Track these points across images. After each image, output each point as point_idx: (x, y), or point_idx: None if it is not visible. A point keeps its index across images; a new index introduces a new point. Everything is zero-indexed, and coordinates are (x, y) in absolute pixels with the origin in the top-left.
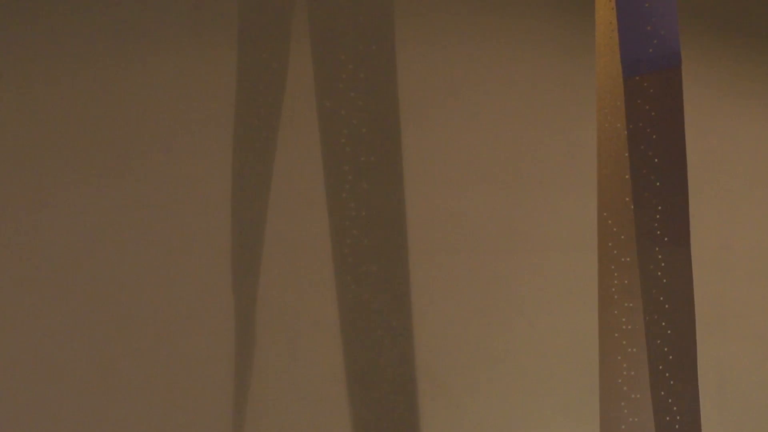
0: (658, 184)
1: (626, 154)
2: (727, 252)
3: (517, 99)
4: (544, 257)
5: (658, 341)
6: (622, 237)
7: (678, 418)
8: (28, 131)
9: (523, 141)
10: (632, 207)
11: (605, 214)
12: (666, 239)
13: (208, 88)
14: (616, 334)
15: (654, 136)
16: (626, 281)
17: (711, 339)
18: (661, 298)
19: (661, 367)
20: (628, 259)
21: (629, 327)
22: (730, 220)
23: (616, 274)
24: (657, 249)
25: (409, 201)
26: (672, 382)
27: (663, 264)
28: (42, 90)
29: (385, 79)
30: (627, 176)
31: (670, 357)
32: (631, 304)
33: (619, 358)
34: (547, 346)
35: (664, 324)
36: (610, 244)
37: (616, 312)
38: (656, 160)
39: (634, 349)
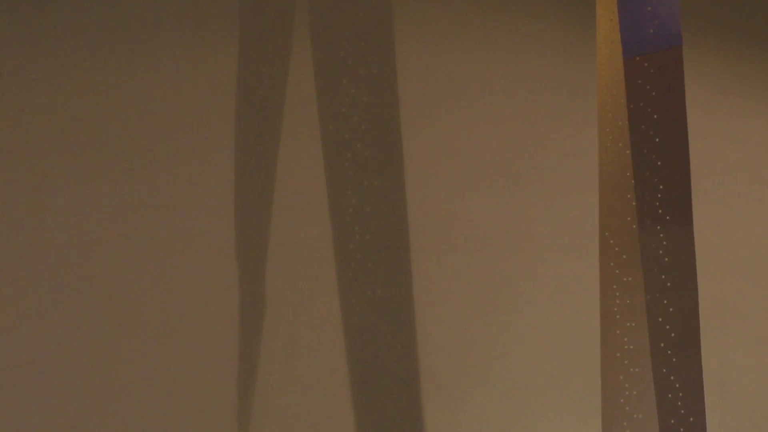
0: (659, 163)
1: (628, 174)
2: (727, 252)
3: (517, 99)
4: (544, 257)
5: (660, 319)
6: (624, 257)
7: (680, 395)
8: (28, 131)
9: (523, 141)
10: (635, 227)
11: (607, 233)
12: (668, 218)
13: (208, 88)
14: (618, 354)
15: (655, 116)
16: (628, 301)
17: (712, 339)
18: (663, 276)
19: (662, 345)
20: (630, 279)
21: (631, 347)
22: (731, 221)
23: (618, 294)
24: (659, 228)
25: (410, 201)
26: (674, 359)
27: (665, 242)
28: (42, 90)
29: (386, 74)
30: (629, 196)
31: (672, 334)
32: (633, 324)
33: (621, 377)
34: (547, 345)
35: (665, 302)
36: (612, 264)
37: (618, 332)
38: (657, 140)
39: (636, 369)
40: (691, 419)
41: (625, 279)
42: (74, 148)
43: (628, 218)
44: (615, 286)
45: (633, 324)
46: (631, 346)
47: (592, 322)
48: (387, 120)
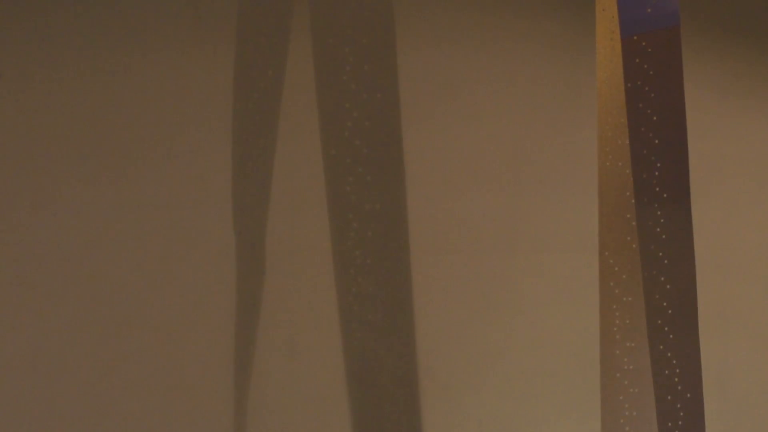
0: (656, 141)
1: (628, 194)
2: (728, 252)
3: (517, 99)
4: (544, 257)
5: (657, 296)
6: (624, 277)
7: (677, 371)
8: (28, 131)
9: (523, 141)
10: (634, 246)
11: (607, 253)
12: (665, 195)
13: (208, 88)
14: (618, 375)
15: (653, 95)
16: (628, 321)
17: (712, 339)
18: (660, 254)
19: (659, 322)
20: (630, 298)
21: (631, 367)
22: (732, 221)
23: (617, 314)
24: (656, 205)
25: (410, 201)
26: (671, 336)
27: (662, 220)
28: (42, 90)
29: (385, 75)
30: (629, 215)
31: (669, 311)
32: (633, 344)
33: (621, 398)
34: (547, 345)
35: (662, 279)
36: (611, 284)
37: (617, 352)
38: (655, 118)
39: (636, 390)
40: (689, 395)
41: (625, 299)
42: (74, 148)
43: (628, 238)
44: (615, 306)
45: (633, 344)
46: (631, 367)
47: (592, 322)
48: (387, 122)
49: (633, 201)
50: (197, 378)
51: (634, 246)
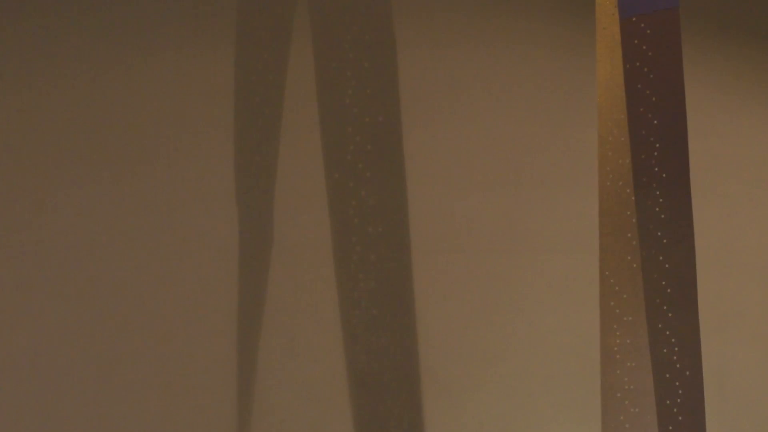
0: (655, 122)
1: (629, 213)
2: (728, 252)
3: (518, 99)
4: (544, 257)
5: (655, 275)
6: (624, 296)
7: (676, 349)
8: (28, 131)
9: (523, 141)
10: (635, 266)
11: (607, 273)
12: (664, 176)
13: (208, 89)
14: (618, 394)
15: (651, 75)
16: (628, 340)
17: (711, 339)
18: (659, 234)
19: (658, 301)
20: (630, 318)
21: (632, 387)
22: (731, 221)
23: (618, 333)
24: (654, 185)
25: (410, 202)
26: (670, 315)
27: (661, 199)
28: (42, 90)
29: (387, 80)
30: (629, 235)
31: (668, 290)
32: (633, 364)
33: (622, 418)
34: (547, 345)
35: (661, 258)
36: (612, 303)
37: (618, 372)
38: (654, 99)
39: (637, 410)
40: (687, 373)
41: (625, 318)
42: (74, 148)
43: (628, 257)
44: (615, 326)
45: (633, 364)
46: (632, 386)
47: (592, 322)
48: (388, 122)
49: (634, 220)
50: (198, 378)
51: (635, 265)
